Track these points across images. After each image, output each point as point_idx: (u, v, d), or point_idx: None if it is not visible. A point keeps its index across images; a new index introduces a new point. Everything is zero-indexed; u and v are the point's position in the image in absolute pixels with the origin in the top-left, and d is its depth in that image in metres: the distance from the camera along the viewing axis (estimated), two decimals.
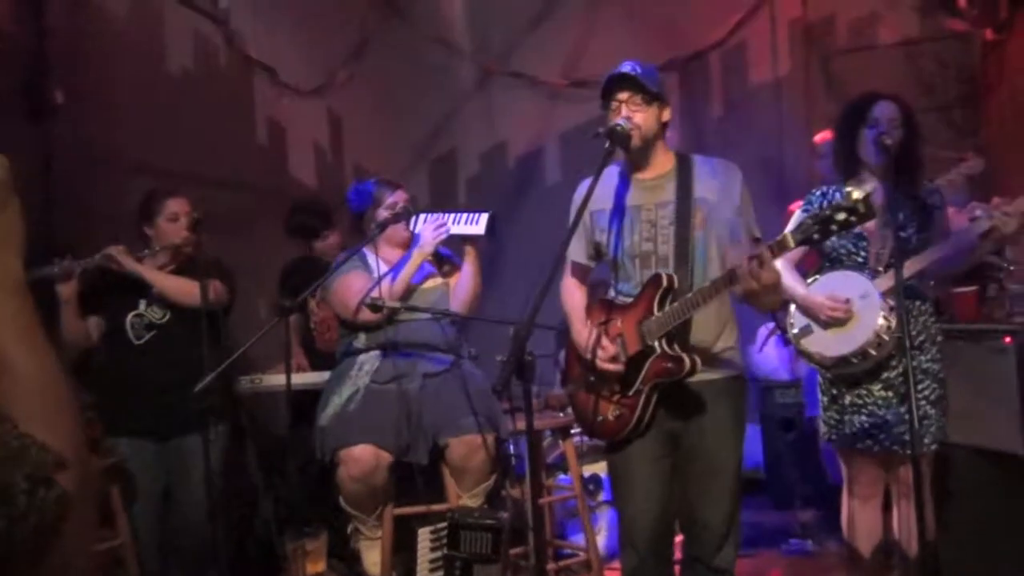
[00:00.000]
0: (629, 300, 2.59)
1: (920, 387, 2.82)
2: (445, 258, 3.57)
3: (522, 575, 3.66)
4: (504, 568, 2.85)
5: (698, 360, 2.45)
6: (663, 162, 2.62)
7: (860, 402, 2.92)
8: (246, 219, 4.83)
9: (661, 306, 2.48)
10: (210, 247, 3.38)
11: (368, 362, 3.34)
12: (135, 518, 3.38)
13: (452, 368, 3.37)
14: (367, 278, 3.35)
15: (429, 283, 3.46)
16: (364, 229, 3.46)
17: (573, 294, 2.78)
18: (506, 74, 6.18)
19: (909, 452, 2.67)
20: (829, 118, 3.72)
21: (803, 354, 3.06)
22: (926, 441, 2.83)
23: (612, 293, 2.69)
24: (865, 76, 4.95)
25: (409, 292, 3.35)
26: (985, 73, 4.86)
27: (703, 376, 2.52)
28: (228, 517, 3.64)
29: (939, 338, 2.97)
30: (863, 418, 2.91)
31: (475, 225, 3.36)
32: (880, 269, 2.92)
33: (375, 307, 3.19)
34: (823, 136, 3.98)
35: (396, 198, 3.45)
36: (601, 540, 3.97)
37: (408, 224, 3.44)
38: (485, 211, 3.36)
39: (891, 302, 2.81)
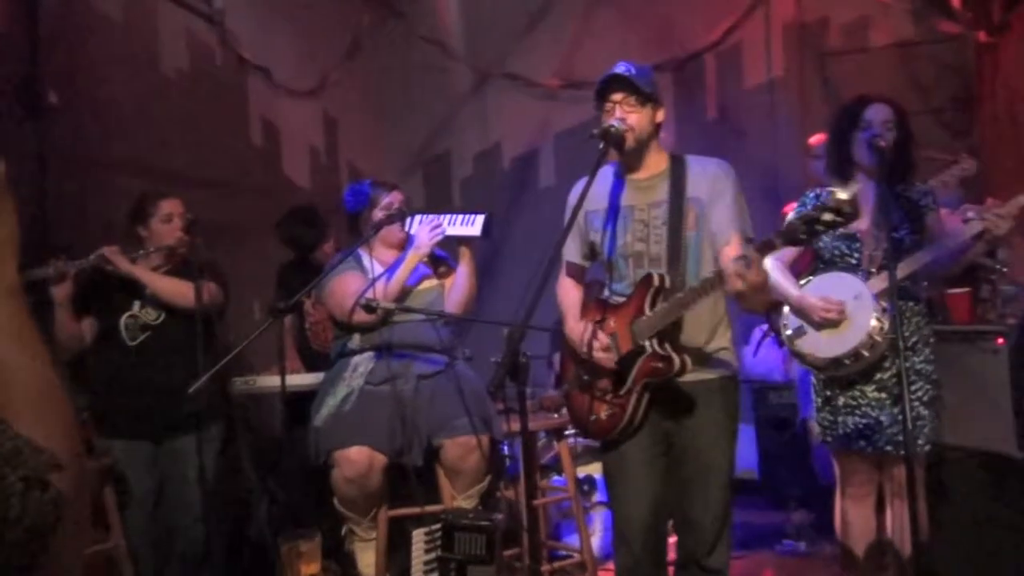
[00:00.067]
0: (622, 300, 2.59)
1: (913, 388, 2.83)
2: (441, 259, 3.58)
3: None
4: (498, 570, 2.85)
5: (688, 360, 2.46)
6: (657, 162, 2.63)
7: (854, 403, 2.93)
8: (240, 220, 4.82)
9: (652, 306, 2.48)
10: (204, 248, 3.37)
11: (362, 363, 3.34)
12: (129, 520, 3.37)
13: (446, 369, 3.37)
14: (362, 279, 3.35)
15: (424, 284, 3.46)
16: (360, 230, 3.46)
17: (569, 292, 2.79)
18: (501, 75, 6.18)
19: (902, 453, 2.68)
20: (823, 120, 3.72)
21: (796, 355, 3.07)
22: (919, 442, 2.83)
23: (607, 293, 2.70)
24: (859, 78, 4.98)
25: (404, 293, 3.35)
26: (979, 75, 4.87)
27: (696, 376, 2.53)
28: (222, 519, 3.63)
29: (932, 339, 2.98)
30: (856, 419, 2.92)
31: (471, 227, 3.36)
32: (873, 270, 2.93)
33: (370, 308, 3.19)
34: (818, 138, 3.98)
35: (392, 199, 3.45)
36: (596, 541, 3.97)
37: (404, 225, 3.44)
38: (481, 212, 3.36)
39: (884, 303, 2.81)
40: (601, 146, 2.48)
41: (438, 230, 3.34)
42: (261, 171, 5.43)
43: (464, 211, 3.42)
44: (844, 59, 5.32)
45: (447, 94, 6.31)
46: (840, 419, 2.95)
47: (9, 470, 0.73)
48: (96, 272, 3.37)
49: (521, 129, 6.27)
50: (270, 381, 3.78)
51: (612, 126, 2.50)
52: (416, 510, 3.33)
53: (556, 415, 3.79)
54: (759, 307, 2.47)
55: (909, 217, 2.94)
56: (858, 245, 2.96)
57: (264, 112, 5.49)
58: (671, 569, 2.78)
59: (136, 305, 3.44)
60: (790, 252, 3.07)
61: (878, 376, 2.90)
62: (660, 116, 2.61)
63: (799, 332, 2.99)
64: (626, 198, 2.63)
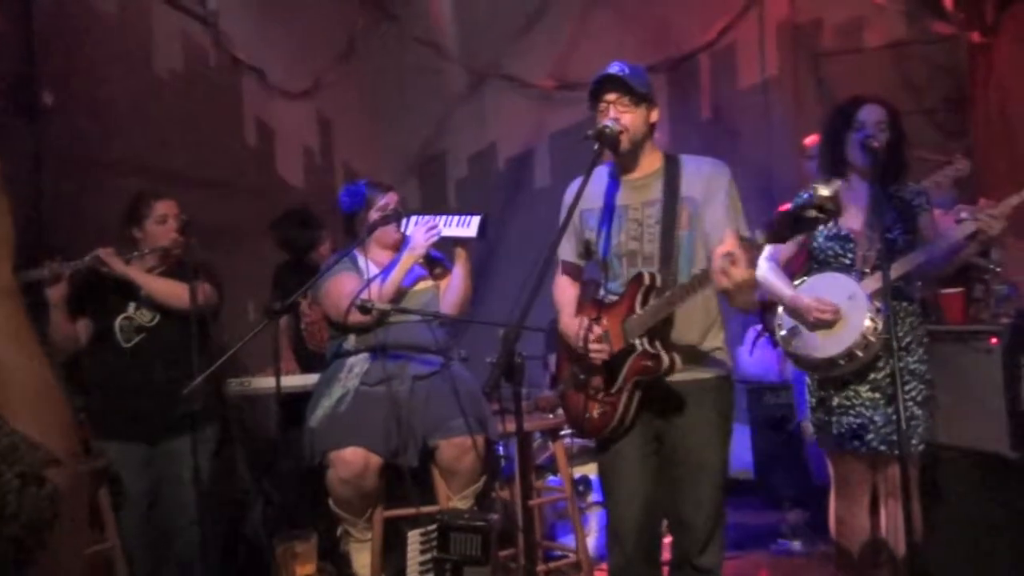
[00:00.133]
0: (615, 299, 2.60)
1: (907, 388, 2.84)
2: (436, 260, 3.58)
3: None
4: (494, 570, 2.85)
5: (677, 358, 2.46)
6: (651, 162, 2.63)
7: (848, 403, 2.94)
8: (235, 221, 4.81)
9: (644, 304, 2.49)
10: (199, 249, 3.37)
11: (358, 364, 3.34)
12: (124, 521, 3.37)
13: (442, 370, 3.37)
14: (358, 280, 3.35)
15: (420, 285, 3.46)
16: (355, 231, 3.46)
17: (566, 290, 2.80)
18: (496, 76, 6.19)
19: (896, 453, 2.69)
20: (817, 120, 3.74)
21: (791, 356, 3.08)
22: (913, 442, 2.84)
23: (602, 292, 2.70)
24: (853, 78, 4.99)
25: (400, 294, 3.35)
26: (972, 76, 4.89)
27: (689, 375, 2.54)
28: (217, 520, 3.63)
29: (926, 339, 2.99)
30: (850, 419, 2.92)
31: (467, 227, 3.35)
32: (867, 271, 2.94)
33: (364, 309, 3.19)
34: (813, 139, 3.99)
35: (387, 200, 3.45)
36: (591, 541, 3.97)
37: (399, 226, 3.44)
38: (477, 213, 3.36)
39: (878, 304, 2.82)
40: (596, 147, 2.49)
41: (434, 231, 3.34)
42: (256, 172, 5.43)
43: (460, 212, 3.42)
44: (838, 59, 5.33)
45: (442, 95, 6.31)
46: (834, 419, 2.96)
47: (5, 467, 0.74)
48: (91, 274, 3.36)
49: (516, 130, 6.27)
50: (265, 382, 3.78)
51: (607, 127, 2.50)
52: (411, 511, 3.33)
53: (551, 415, 3.79)
54: (747, 305, 2.46)
55: (902, 217, 2.95)
56: (852, 246, 2.97)
57: (258, 113, 5.49)
58: (666, 569, 2.79)
59: (131, 307, 3.44)
60: (784, 252, 3.08)
61: (872, 376, 2.91)
62: (654, 116, 2.61)
63: (793, 333, 3.00)
64: (621, 197, 2.64)
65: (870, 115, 2.92)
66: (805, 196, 3.02)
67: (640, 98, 2.55)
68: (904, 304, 2.95)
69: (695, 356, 2.56)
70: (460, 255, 3.44)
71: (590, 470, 4.16)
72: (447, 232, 3.37)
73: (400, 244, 3.44)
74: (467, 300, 3.46)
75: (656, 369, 2.46)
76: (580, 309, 2.72)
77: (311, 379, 3.63)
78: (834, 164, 3.00)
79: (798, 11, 5.51)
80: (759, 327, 4.47)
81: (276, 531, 3.34)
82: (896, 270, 2.80)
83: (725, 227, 2.51)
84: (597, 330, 2.56)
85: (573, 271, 2.80)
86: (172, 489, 3.43)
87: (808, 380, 3.10)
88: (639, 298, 2.50)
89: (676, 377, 2.52)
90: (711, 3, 5.80)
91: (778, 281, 3.01)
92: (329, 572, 3.54)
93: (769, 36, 5.57)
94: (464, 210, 3.45)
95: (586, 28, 5.92)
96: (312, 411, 3.32)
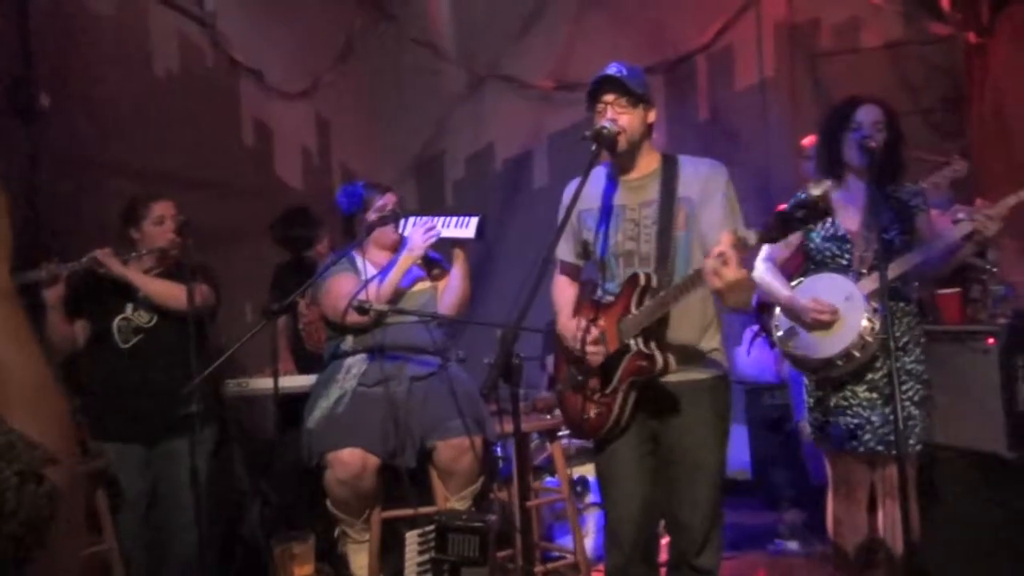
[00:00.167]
0: (612, 299, 2.60)
1: (904, 388, 2.85)
2: (434, 261, 3.58)
3: None
4: (492, 571, 2.85)
5: (672, 359, 2.46)
6: (648, 162, 2.63)
7: (845, 403, 2.94)
8: (232, 222, 4.81)
9: (639, 305, 2.49)
10: (196, 250, 3.37)
11: (355, 365, 3.34)
12: (121, 523, 3.36)
13: (439, 371, 3.37)
14: (355, 280, 3.35)
15: (418, 286, 3.46)
16: (354, 231, 3.46)
17: (564, 290, 2.80)
18: (494, 77, 6.19)
19: (894, 452, 2.70)
20: (814, 120, 3.74)
21: (788, 357, 3.08)
22: (910, 442, 2.85)
23: (600, 292, 2.71)
24: (850, 79, 5.00)
25: (397, 295, 3.35)
26: (969, 76, 4.90)
27: (685, 376, 2.54)
28: (215, 521, 3.63)
29: (923, 339, 3.00)
30: (848, 419, 2.93)
31: (465, 228, 3.35)
32: (864, 271, 2.94)
33: (362, 309, 3.19)
34: (810, 139, 3.99)
35: (385, 201, 3.45)
36: (589, 542, 3.97)
37: (397, 227, 3.44)
38: (475, 214, 3.36)
39: (875, 304, 2.83)
40: (594, 147, 2.49)
41: (432, 232, 3.34)
42: (253, 173, 5.42)
43: (458, 213, 3.42)
44: (835, 60, 5.34)
45: (440, 96, 6.31)
46: (831, 419, 2.96)
47: (4, 464, 0.74)
48: (88, 275, 3.36)
49: (514, 131, 6.27)
50: (263, 383, 3.78)
51: (604, 128, 2.51)
52: (409, 512, 3.33)
53: (549, 416, 3.79)
54: (740, 305, 2.46)
55: (899, 218, 2.95)
56: (849, 246, 2.97)
57: (256, 114, 5.48)
58: (663, 570, 2.79)
59: (129, 308, 3.44)
60: (781, 253, 3.09)
61: (869, 376, 2.91)
62: (652, 117, 2.62)
63: (791, 333, 3.00)
64: (618, 198, 2.64)
65: (867, 115, 2.93)
66: (799, 196, 3.05)
67: (638, 99, 2.55)
68: (901, 304, 2.95)
69: (692, 356, 2.56)
70: (458, 256, 3.44)
71: (588, 471, 4.15)
72: (445, 233, 3.37)
73: (398, 245, 3.44)
74: (465, 301, 3.45)
75: (651, 370, 2.46)
76: (578, 309, 2.72)
77: (309, 380, 3.63)
78: (831, 164, 3.01)
79: (795, 12, 5.51)
80: (756, 327, 4.47)
81: (274, 532, 3.34)
82: (893, 270, 2.80)
83: (722, 228, 2.52)
84: (594, 331, 2.56)
85: (571, 271, 2.80)
86: (170, 490, 3.42)
87: (805, 380, 3.10)
88: (635, 298, 2.50)
89: (672, 378, 2.51)
90: (708, 4, 5.80)
91: (775, 282, 3.01)
92: (327, 573, 3.54)
93: (766, 37, 5.57)
94: (462, 211, 3.45)
95: (583, 29, 5.92)
96: (310, 412, 3.32)
